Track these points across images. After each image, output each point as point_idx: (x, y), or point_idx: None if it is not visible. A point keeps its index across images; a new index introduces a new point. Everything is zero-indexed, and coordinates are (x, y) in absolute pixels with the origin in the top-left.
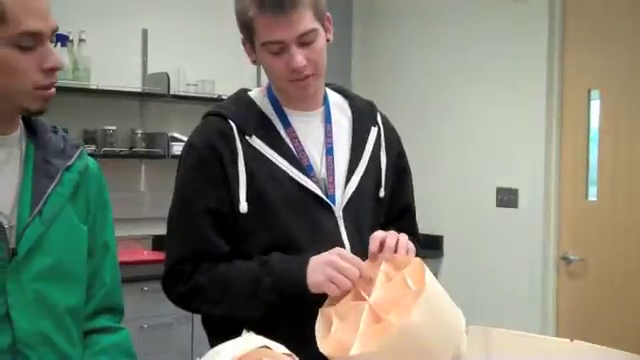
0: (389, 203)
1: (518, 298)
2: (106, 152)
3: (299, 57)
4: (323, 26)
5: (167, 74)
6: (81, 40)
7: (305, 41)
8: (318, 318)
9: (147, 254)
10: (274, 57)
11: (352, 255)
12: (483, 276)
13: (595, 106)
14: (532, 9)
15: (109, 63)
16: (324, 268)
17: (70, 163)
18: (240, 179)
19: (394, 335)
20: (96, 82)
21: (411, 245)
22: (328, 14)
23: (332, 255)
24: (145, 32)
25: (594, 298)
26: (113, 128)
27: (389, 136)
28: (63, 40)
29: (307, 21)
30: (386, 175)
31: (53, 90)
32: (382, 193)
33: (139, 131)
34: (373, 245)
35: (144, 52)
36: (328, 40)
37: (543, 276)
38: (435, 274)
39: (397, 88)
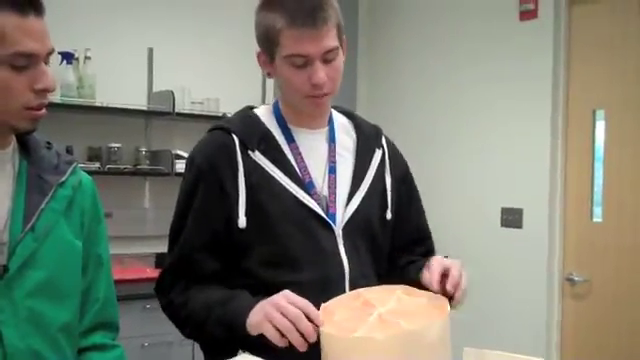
0: (405, 228)
1: (522, 319)
2: (110, 169)
3: (322, 73)
4: (342, 45)
5: (172, 92)
6: (87, 58)
7: (328, 58)
8: (320, 310)
9: (150, 272)
10: (296, 70)
11: (300, 298)
12: (487, 296)
13: (600, 126)
14: (537, 29)
15: (114, 81)
16: (265, 307)
17: (63, 179)
18: (240, 193)
19: (402, 333)
20: (101, 100)
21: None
22: (344, 37)
23: (277, 296)
24: (151, 50)
25: (599, 319)
26: (118, 145)
27: (395, 160)
28: (69, 58)
29: (332, 38)
30: (392, 197)
31: (44, 111)
32: (389, 215)
33: (143, 149)
34: (434, 277)
35: (149, 70)
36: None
37: (548, 297)
38: None
39: (401, 109)
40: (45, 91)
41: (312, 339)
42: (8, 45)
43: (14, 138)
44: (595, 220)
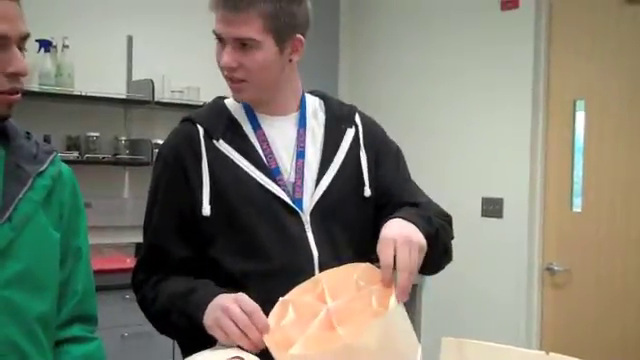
0: (395, 200)
1: (502, 308)
2: (89, 159)
3: (226, 56)
4: (282, 43)
5: (152, 81)
6: (65, 46)
7: (242, 46)
8: (275, 306)
9: (130, 261)
10: (218, 49)
11: (250, 302)
12: (467, 286)
13: (580, 117)
14: (518, 19)
15: (93, 69)
16: (215, 311)
17: (42, 169)
18: (203, 182)
19: (337, 349)
20: (80, 88)
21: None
22: (299, 36)
23: (228, 300)
24: (130, 38)
25: (578, 309)
26: (97, 135)
27: (371, 136)
28: (46, 45)
29: (247, 29)
30: (369, 174)
31: (18, 96)
32: (367, 192)
33: (123, 138)
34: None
35: (129, 58)
36: (290, 60)
37: (528, 286)
38: (418, 284)
39: (381, 98)
40: (17, 75)
41: (261, 347)
42: None
43: None
44: (575, 210)
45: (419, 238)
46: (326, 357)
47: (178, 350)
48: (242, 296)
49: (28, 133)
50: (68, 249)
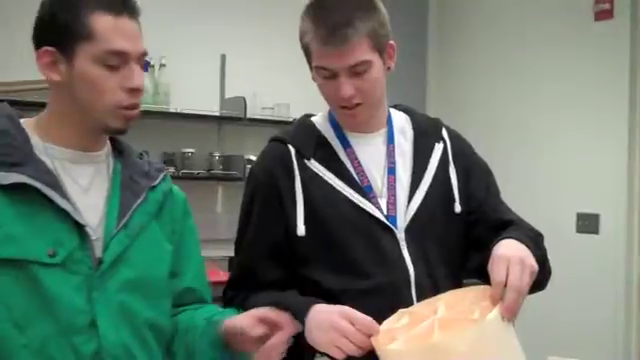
0: (486, 217)
1: (599, 329)
2: (184, 174)
3: (346, 86)
4: (382, 54)
5: (244, 98)
6: (162, 65)
7: (356, 71)
8: (394, 315)
9: (223, 274)
10: (325, 81)
11: (361, 316)
12: (562, 305)
13: None
14: (614, 29)
15: (188, 87)
16: (327, 330)
17: (155, 184)
18: (297, 202)
19: (425, 346)
20: (175, 106)
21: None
22: (392, 42)
23: (336, 316)
24: (223, 57)
25: None
26: (191, 151)
27: (459, 151)
28: (145, 65)
29: (360, 52)
30: (459, 189)
31: (136, 112)
32: (458, 208)
33: (216, 154)
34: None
35: (222, 76)
36: (389, 68)
37: (626, 306)
38: None
39: (470, 109)
40: (135, 90)
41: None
42: (101, 43)
43: (108, 141)
44: None
45: (532, 261)
46: (415, 353)
47: None
48: (348, 310)
49: (141, 153)
50: (181, 261)
